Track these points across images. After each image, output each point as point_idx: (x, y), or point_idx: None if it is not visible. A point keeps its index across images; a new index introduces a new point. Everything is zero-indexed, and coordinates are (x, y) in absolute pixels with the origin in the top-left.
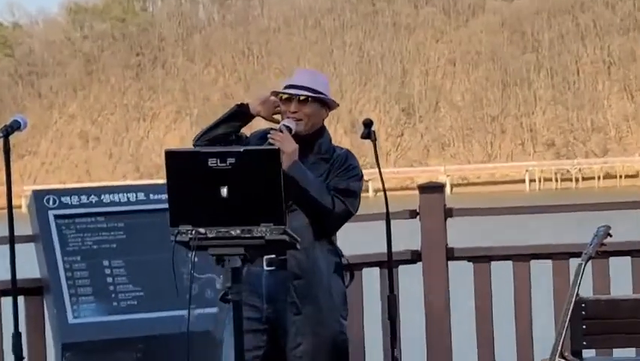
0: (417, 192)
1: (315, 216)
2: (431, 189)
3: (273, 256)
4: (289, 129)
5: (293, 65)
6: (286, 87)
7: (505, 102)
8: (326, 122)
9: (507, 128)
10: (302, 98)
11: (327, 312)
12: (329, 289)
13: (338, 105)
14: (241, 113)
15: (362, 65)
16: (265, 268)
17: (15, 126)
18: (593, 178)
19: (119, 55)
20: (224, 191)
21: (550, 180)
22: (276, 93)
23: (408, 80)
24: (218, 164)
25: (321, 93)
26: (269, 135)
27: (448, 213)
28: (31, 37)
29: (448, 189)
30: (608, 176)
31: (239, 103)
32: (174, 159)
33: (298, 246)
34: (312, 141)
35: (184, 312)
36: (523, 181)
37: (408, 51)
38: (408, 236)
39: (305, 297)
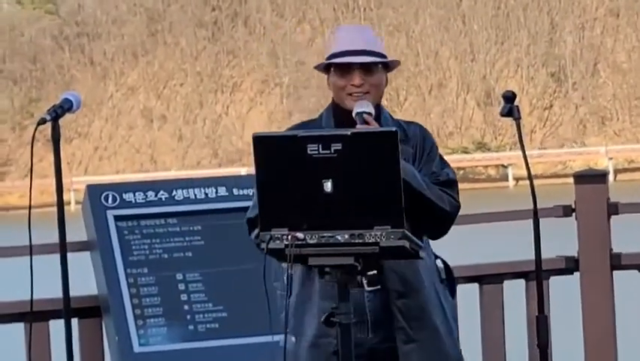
0: (571, 181)
1: (427, 221)
2: (590, 178)
3: (375, 272)
4: (370, 115)
5: (410, 19)
6: (336, 55)
7: None
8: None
9: None
10: (367, 65)
11: (446, 336)
12: (441, 305)
13: (399, 64)
14: None
15: (499, 18)
16: (367, 288)
17: (66, 107)
18: None
19: (190, 10)
20: (328, 185)
21: None
22: (326, 65)
23: (558, 36)
24: (321, 151)
25: (384, 55)
26: (358, 128)
27: (613, 209)
28: None
29: (611, 177)
30: None
31: None
32: (264, 146)
33: (422, 254)
34: (377, 120)
35: (279, 338)
36: None
37: None
38: (561, 239)
39: (415, 320)
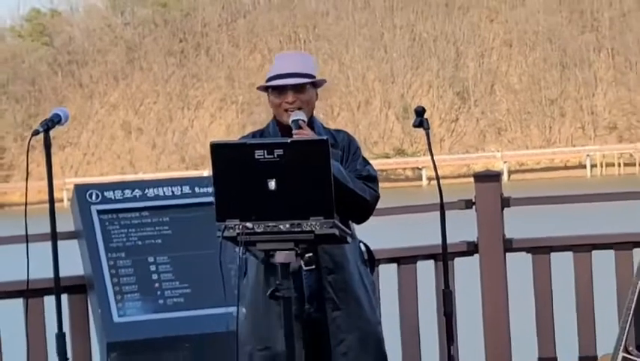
0: (473, 180)
1: (351, 209)
2: (487, 177)
3: (311, 254)
4: (304, 122)
5: (341, 49)
6: (273, 78)
7: (564, 84)
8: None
9: (566, 111)
10: (298, 85)
11: (367, 305)
12: (362, 280)
13: (325, 82)
14: None
15: (414, 48)
16: (305, 267)
17: (55, 120)
18: None
19: (161, 41)
20: (272, 184)
21: (613, 165)
22: (264, 88)
23: (462, 62)
24: (266, 156)
25: (312, 75)
26: (294, 133)
27: (506, 202)
28: (70, 25)
29: (505, 176)
30: None
31: None
32: (220, 152)
33: (349, 240)
34: (311, 128)
35: (232, 309)
36: (584, 167)
37: (462, 32)
38: (464, 227)
39: (341, 291)
